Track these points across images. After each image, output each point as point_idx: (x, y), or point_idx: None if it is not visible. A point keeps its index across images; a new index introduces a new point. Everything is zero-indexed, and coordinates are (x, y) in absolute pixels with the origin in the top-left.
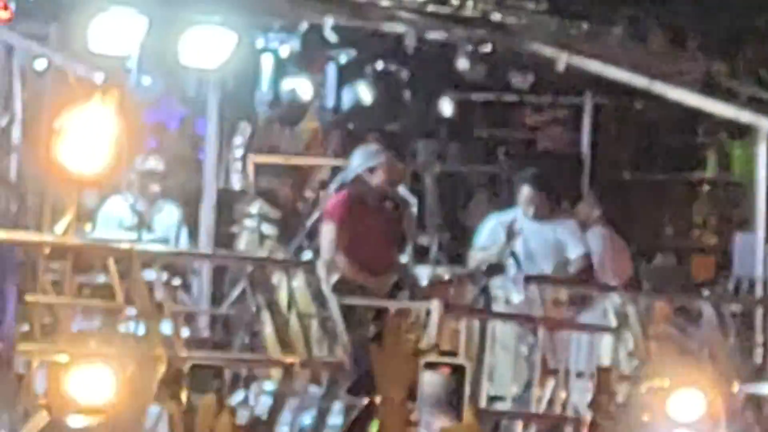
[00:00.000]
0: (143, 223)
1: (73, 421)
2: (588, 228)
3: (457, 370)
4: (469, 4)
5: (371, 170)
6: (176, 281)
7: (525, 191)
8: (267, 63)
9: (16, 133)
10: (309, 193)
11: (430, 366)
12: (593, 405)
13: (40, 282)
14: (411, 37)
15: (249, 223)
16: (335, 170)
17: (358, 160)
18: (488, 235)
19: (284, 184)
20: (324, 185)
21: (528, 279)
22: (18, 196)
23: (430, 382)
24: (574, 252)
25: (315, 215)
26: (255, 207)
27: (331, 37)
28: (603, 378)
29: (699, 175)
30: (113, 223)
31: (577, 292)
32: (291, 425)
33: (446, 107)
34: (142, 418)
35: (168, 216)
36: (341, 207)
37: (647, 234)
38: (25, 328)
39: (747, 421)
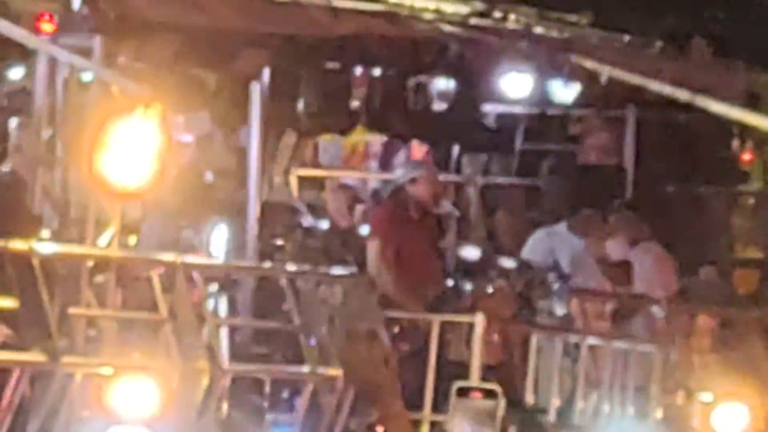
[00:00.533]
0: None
1: None
2: (636, 244)
3: (491, 395)
4: (512, 17)
5: (413, 181)
6: (220, 294)
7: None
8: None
9: (59, 146)
10: (352, 206)
11: (462, 392)
12: None
13: (84, 295)
14: (454, 51)
15: (293, 235)
16: (378, 183)
17: (400, 172)
18: (535, 247)
19: (328, 197)
20: (367, 198)
21: (572, 292)
22: (61, 208)
23: (464, 403)
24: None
25: (359, 228)
26: (299, 220)
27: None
28: None
29: (742, 188)
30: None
31: (621, 305)
32: None
33: (490, 120)
34: (186, 430)
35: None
36: (384, 221)
37: (690, 247)
38: (69, 341)
39: None
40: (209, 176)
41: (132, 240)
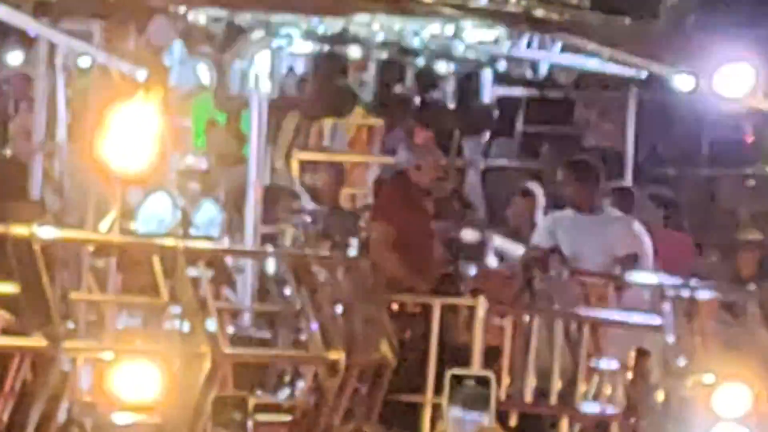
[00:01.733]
0: (186, 221)
1: (119, 418)
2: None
3: (484, 381)
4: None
5: (417, 168)
6: (221, 278)
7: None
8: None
9: (60, 131)
10: (354, 190)
11: (457, 378)
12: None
13: (85, 279)
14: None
15: (294, 219)
16: (380, 167)
17: (403, 157)
18: (542, 232)
19: (329, 181)
20: (369, 182)
21: (571, 274)
22: (62, 193)
23: (459, 390)
24: (621, 251)
25: (360, 212)
26: (300, 203)
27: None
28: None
29: (745, 170)
30: (154, 221)
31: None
32: None
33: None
34: (187, 414)
35: (207, 214)
36: (387, 206)
37: (693, 229)
38: (70, 325)
39: None
40: (203, 162)
41: (132, 224)
